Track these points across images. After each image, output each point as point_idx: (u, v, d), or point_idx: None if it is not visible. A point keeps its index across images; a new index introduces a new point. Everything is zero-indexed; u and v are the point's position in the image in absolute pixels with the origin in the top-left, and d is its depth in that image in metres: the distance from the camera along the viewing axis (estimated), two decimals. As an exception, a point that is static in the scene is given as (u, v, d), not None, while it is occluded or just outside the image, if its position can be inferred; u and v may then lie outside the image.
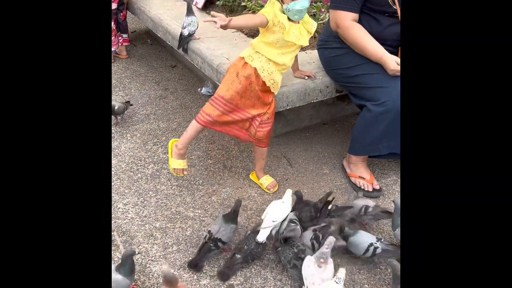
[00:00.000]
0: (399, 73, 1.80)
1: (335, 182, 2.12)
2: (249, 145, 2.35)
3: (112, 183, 2.03)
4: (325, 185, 2.10)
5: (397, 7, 1.85)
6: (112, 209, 1.87)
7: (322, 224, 1.68)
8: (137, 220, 1.84)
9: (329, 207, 1.76)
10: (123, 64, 3.25)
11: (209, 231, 1.62)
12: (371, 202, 1.79)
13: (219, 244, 1.60)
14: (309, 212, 1.73)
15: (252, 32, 2.61)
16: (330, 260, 1.48)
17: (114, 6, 3.09)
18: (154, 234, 1.78)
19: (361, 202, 1.80)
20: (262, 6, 2.63)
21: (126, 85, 2.95)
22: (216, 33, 2.42)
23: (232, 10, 2.89)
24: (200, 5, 3.01)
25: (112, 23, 3.08)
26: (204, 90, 2.84)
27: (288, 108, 2.11)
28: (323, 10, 2.68)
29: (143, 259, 1.67)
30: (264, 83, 1.77)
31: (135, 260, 1.66)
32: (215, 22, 1.61)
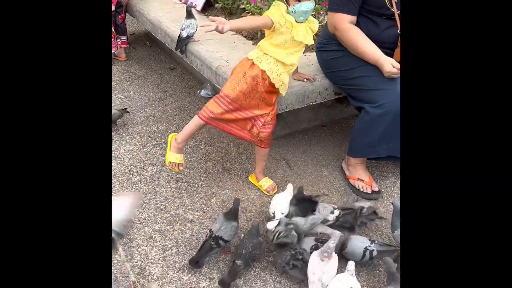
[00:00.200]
0: (395, 76, 1.81)
1: (334, 184, 2.13)
2: (248, 147, 2.36)
3: (112, 186, 2.03)
4: (324, 187, 2.10)
5: (395, 9, 1.85)
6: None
7: (322, 232, 1.69)
8: (136, 223, 1.84)
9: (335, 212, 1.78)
10: (122, 67, 3.25)
11: (210, 230, 1.63)
12: (367, 204, 1.80)
13: (220, 242, 1.60)
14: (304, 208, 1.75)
15: (251, 35, 2.62)
16: (335, 256, 1.49)
17: (112, 8, 3.10)
18: (153, 237, 1.78)
19: (359, 204, 1.81)
20: (261, 9, 2.64)
21: (125, 88, 2.96)
22: (215, 35, 2.42)
23: (231, 12, 2.89)
24: (199, 7, 3.02)
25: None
26: (203, 92, 2.85)
27: (287, 110, 2.12)
28: (321, 12, 2.69)
29: (142, 261, 1.67)
30: (270, 84, 1.79)
31: (134, 263, 1.66)
32: (210, 26, 1.61)
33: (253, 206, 1.96)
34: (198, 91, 2.89)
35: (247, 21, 1.78)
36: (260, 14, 2.60)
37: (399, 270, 1.45)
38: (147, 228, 1.82)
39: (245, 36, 2.63)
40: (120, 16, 3.18)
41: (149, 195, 2.00)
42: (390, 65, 1.80)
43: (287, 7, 1.72)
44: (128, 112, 2.58)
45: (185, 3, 3.18)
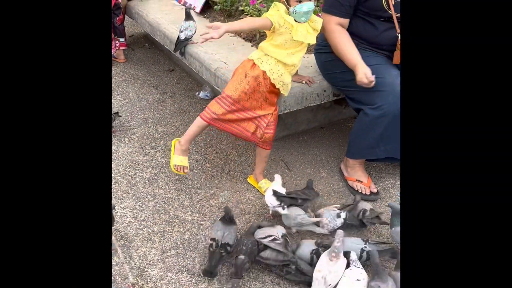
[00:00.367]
0: (365, 86, 1.81)
1: (333, 186, 2.13)
2: (247, 149, 2.36)
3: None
4: (322, 189, 2.10)
5: (393, 12, 1.86)
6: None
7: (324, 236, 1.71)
8: (135, 224, 1.84)
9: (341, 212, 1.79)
10: (121, 68, 3.25)
11: (213, 239, 1.60)
12: (369, 206, 1.80)
13: (228, 248, 1.60)
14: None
15: (250, 36, 2.63)
16: (343, 257, 1.50)
17: (110, 10, 3.11)
18: (152, 238, 1.78)
19: (362, 205, 1.80)
20: (259, 11, 2.65)
21: (124, 89, 2.96)
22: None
23: (229, 14, 2.90)
24: (198, 9, 3.02)
25: (110, 27, 3.09)
26: (202, 94, 2.85)
27: (285, 112, 2.12)
28: (320, 14, 2.69)
29: (141, 263, 1.67)
30: (272, 84, 1.80)
31: (133, 264, 1.66)
32: (208, 35, 1.66)
33: (252, 207, 1.96)
34: (197, 93, 2.89)
35: (245, 23, 1.79)
36: (259, 15, 2.60)
37: (398, 267, 1.47)
38: (145, 229, 1.82)
39: (243, 38, 2.63)
40: (118, 18, 3.18)
41: (148, 196, 2.00)
42: (364, 74, 1.80)
43: (288, 8, 1.73)
44: (120, 116, 2.57)
45: (184, 4, 3.18)
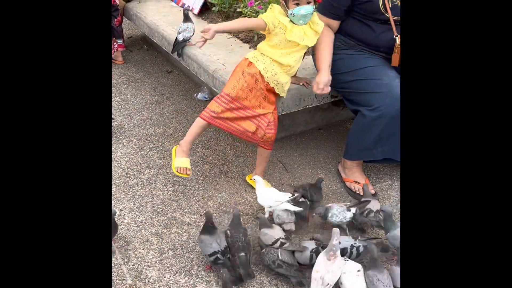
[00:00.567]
0: (317, 92, 1.84)
1: (331, 187, 2.13)
2: (245, 150, 2.36)
3: (108, 189, 2.03)
4: (320, 190, 2.10)
5: (389, 15, 1.86)
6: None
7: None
8: (133, 226, 1.84)
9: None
10: (119, 70, 3.25)
11: (215, 253, 1.56)
12: (377, 207, 1.80)
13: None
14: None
15: (248, 38, 2.63)
16: (340, 256, 1.51)
17: (108, 11, 3.11)
18: (150, 240, 1.78)
19: (371, 205, 1.79)
20: (257, 12, 2.65)
21: (122, 91, 2.96)
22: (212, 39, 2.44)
23: (228, 16, 2.90)
24: (196, 11, 3.03)
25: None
26: (200, 96, 2.86)
27: (283, 113, 2.13)
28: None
29: (139, 264, 1.67)
30: (268, 83, 1.81)
31: (130, 266, 1.66)
32: (204, 39, 1.79)
33: (250, 209, 1.96)
34: (195, 94, 2.90)
35: (237, 23, 1.87)
36: (256, 17, 2.61)
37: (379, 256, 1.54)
38: (143, 231, 1.82)
39: (241, 40, 2.64)
40: (116, 20, 3.19)
41: (146, 198, 2.00)
42: (317, 83, 1.83)
43: (286, 10, 1.74)
44: (113, 119, 2.57)
45: (182, 6, 3.19)
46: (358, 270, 1.49)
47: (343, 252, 1.60)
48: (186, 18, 2.42)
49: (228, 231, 1.64)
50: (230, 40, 2.62)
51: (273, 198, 1.76)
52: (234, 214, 1.65)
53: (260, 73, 1.80)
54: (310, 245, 1.62)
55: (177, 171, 1.84)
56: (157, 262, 1.68)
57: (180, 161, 1.86)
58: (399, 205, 2.02)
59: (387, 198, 2.07)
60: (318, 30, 1.82)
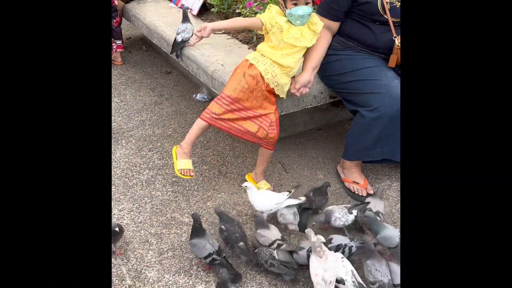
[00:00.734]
0: (292, 91, 1.88)
1: (329, 187, 2.13)
2: (244, 151, 2.36)
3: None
4: (319, 190, 2.11)
5: (388, 16, 1.87)
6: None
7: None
8: (132, 226, 1.84)
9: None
10: (118, 71, 3.26)
11: (210, 255, 1.57)
12: (381, 207, 1.79)
13: (222, 249, 1.64)
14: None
15: (247, 39, 2.63)
16: (329, 251, 1.51)
17: (107, 12, 3.11)
18: (149, 240, 1.78)
19: (371, 205, 1.80)
20: (256, 13, 2.66)
21: (121, 92, 2.96)
22: (211, 39, 2.44)
23: (227, 17, 2.90)
24: (195, 11, 3.03)
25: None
26: (199, 96, 2.86)
27: (282, 114, 2.13)
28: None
29: (138, 265, 1.67)
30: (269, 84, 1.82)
31: (130, 266, 1.66)
32: (200, 37, 1.80)
33: (249, 209, 1.97)
34: (194, 95, 2.90)
35: (234, 21, 1.88)
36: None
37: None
38: (143, 231, 1.82)
39: (240, 40, 2.64)
40: (115, 20, 3.19)
41: (145, 198, 2.00)
42: (294, 82, 1.88)
43: (284, 10, 1.75)
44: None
45: (181, 7, 3.19)
46: (342, 257, 1.50)
47: (336, 250, 1.60)
48: (185, 19, 2.42)
49: (223, 226, 1.66)
50: (229, 41, 2.62)
51: (272, 201, 1.76)
52: (217, 211, 1.71)
53: (261, 74, 1.80)
54: (308, 245, 1.62)
55: (180, 173, 1.85)
56: (157, 262, 1.68)
57: (183, 163, 1.86)
58: (398, 205, 2.03)
59: (386, 199, 2.07)
60: (317, 30, 1.82)
